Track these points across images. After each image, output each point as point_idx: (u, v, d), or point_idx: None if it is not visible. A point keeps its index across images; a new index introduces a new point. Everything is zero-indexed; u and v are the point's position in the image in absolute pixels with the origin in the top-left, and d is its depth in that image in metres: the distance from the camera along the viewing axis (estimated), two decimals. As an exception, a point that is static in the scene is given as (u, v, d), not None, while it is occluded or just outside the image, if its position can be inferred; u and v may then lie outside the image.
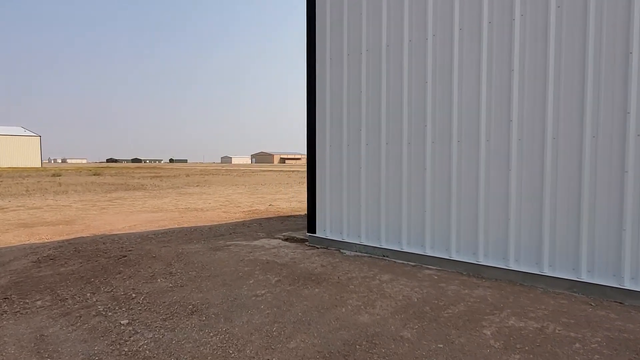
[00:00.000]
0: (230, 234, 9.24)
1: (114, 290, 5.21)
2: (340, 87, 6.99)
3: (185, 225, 10.71)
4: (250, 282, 5.40)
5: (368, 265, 6.08)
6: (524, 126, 5.11)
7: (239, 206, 15.91)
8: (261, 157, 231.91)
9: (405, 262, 6.19)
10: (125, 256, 7.07)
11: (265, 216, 12.74)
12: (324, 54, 7.19)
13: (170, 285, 5.38)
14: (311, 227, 7.57)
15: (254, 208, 15.08)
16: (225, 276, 5.67)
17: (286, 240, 8.21)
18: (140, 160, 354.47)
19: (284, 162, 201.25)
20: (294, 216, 12.64)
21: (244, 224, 10.97)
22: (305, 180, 29.51)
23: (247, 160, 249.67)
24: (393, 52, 6.29)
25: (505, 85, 5.24)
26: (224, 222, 11.28)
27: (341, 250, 7.05)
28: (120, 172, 51.79)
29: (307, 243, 7.73)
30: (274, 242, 7.96)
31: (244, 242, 7.92)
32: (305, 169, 37.91)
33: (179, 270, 6.01)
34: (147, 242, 8.32)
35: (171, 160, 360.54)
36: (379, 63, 6.47)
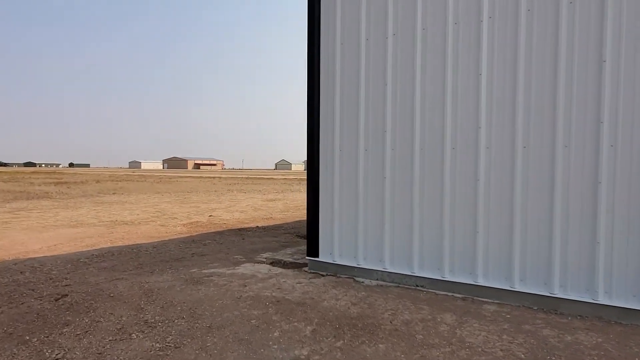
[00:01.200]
0: (192, 255, 7.50)
1: (70, 357, 3.46)
2: (354, 80, 5.69)
3: (121, 244, 8.76)
4: (275, 335, 3.90)
5: (410, 301, 4.82)
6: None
7: (174, 218, 13.95)
8: (174, 163, 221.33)
9: (450, 294, 5.03)
10: (66, 295, 5.16)
11: (213, 230, 11.06)
12: (332, 38, 5.85)
13: (158, 345, 3.72)
14: (312, 250, 6.14)
15: (193, 220, 13.24)
16: (234, 326, 4.09)
17: (274, 264, 6.69)
18: (35, 164, 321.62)
19: (199, 168, 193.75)
20: (247, 229, 11.14)
21: (194, 240, 9.27)
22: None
23: (159, 165, 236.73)
24: (433, 34, 5.13)
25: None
26: (169, 239, 9.46)
27: (356, 279, 5.71)
28: (14, 178, 45.64)
29: (305, 269, 6.27)
30: (262, 268, 6.41)
31: (225, 270, 6.28)
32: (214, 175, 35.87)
33: (158, 319, 4.31)
34: (85, 270, 6.38)
35: (71, 165, 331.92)
36: (411, 48, 5.27)
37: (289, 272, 6.14)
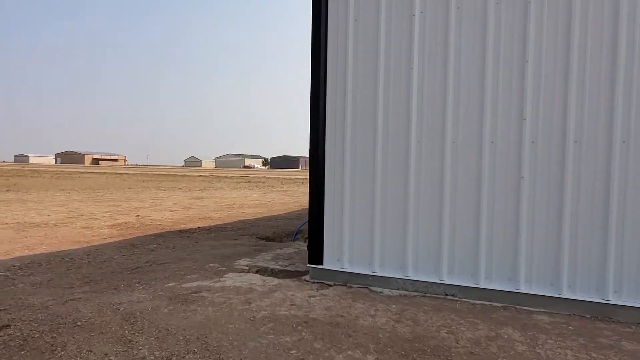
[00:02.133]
0: (149, 264, 6.33)
1: None
2: (371, 62, 4.97)
3: (43, 251, 7.32)
4: (335, 371, 3.06)
5: (454, 314, 4.22)
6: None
7: (96, 218, 12.26)
8: (68, 157, 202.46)
9: (487, 303, 4.53)
10: (8, 326, 3.88)
11: (150, 232, 9.79)
12: (344, 12, 5.07)
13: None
14: (315, 256, 5.31)
15: (120, 221, 11.69)
16: (275, 362, 3.18)
17: (262, 273, 5.75)
18: None
19: (98, 164, 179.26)
20: (189, 231, 10.07)
21: (134, 245, 8.06)
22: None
23: (51, 160, 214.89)
24: (469, 13, 4.59)
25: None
26: (100, 244, 8.16)
27: (372, 289, 5.00)
28: None
29: (305, 278, 5.42)
30: (253, 279, 5.44)
31: (210, 282, 5.22)
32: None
33: (162, 356, 3.27)
34: (14, 288, 5.05)
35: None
36: (444, 26, 4.68)
37: (289, 282, 5.25)
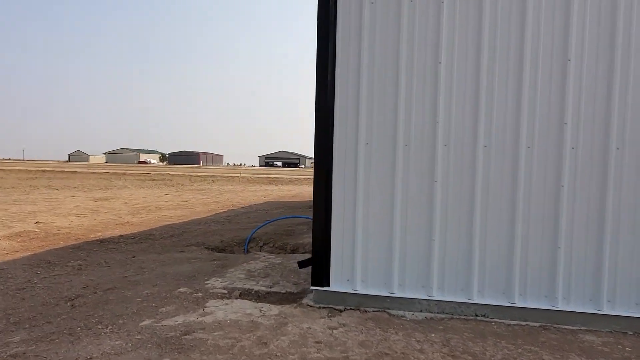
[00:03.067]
0: (94, 292, 5.16)
1: None
2: (391, 45, 4.33)
3: None
4: None
5: (502, 339, 3.74)
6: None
7: (-19, 226, 10.23)
8: None
9: (524, 323, 4.15)
10: None
11: (63, 244, 8.39)
12: (356, -9, 4.37)
13: None
14: (320, 276, 4.54)
15: (18, 230, 9.91)
16: None
17: (250, 298, 4.86)
18: None
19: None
20: (111, 241, 8.92)
21: (50, 263, 6.81)
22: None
23: None
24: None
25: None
26: (3, 261, 6.64)
27: (391, 312, 4.37)
28: None
29: (308, 302, 4.61)
30: (245, 306, 4.50)
31: (197, 317, 4.19)
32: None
33: None
34: None
35: None
36: (477, 20, 4.19)
37: (292, 310, 4.41)
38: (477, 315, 4.25)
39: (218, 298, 4.78)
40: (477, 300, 4.25)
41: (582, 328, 4.05)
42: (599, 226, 4.06)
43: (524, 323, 4.15)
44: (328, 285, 4.52)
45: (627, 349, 3.65)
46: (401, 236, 4.39)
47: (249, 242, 8.57)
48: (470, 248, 4.27)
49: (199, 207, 17.39)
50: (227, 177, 52.98)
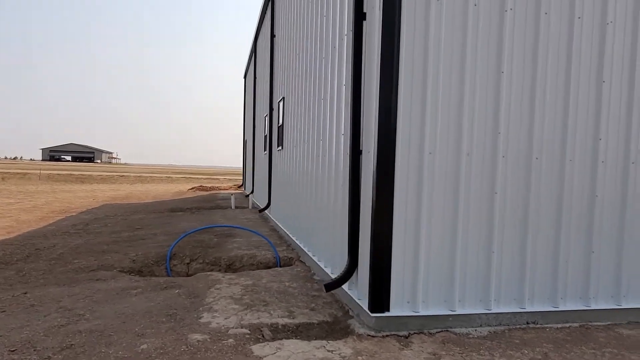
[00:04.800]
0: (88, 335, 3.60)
1: None
2: (457, 53, 4.10)
3: None
4: None
5: (577, 345, 3.90)
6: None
7: None
8: None
9: (567, 325, 4.39)
10: None
11: None
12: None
13: None
14: (380, 300, 4.03)
15: None
16: None
17: (291, 337, 4.00)
18: None
19: None
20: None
21: None
22: None
23: None
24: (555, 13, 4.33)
25: None
26: None
27: (454, 331, 4.14)
28: None
29: (369, 333, 4.03)
30: (307, 348, 3.68)
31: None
32: None
33: None
34: None
35: None
36: (533, 30, 4.28)
37: (364, 345, 3.78)
38: (528, 323, 4.34)
39: (254, 342, 3.81)
40: (529, 308, 4.34)
41: (608, 323, 4.49)
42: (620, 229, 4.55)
43: (567, 325, 4.39)
44: (388, 309, 4.03)
45: (662, 338, 4.17)
46: (462, 250, 4.19)
47: (169, 260, 7.16)
48: (524, 259, 4.33)
49: (22, 215, 14.13)
50: (15, 173, 44.21)
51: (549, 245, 4.39)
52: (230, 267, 7.15)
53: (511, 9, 4.15)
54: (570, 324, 4.41)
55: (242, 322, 4.24)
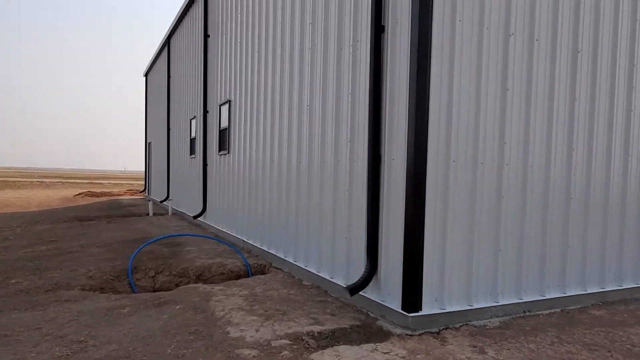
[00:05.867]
0: None
1: None
2: (475, 72, 4.53)
3: None
4: None
5: (584, 327, 4.56)
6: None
7: None
8: None
9: (553, 311, 5.08)
10: None
11: None
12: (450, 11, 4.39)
13: None
14: (413, 299, 4.28)
15: None
16: None
17: (334, 343, 4.04)
18: None
19: None
20: None
21: None
22: None
23: None
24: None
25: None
26: None
27: (472, 324, 4.54)
28: None
29: (407, 332, 4.23)
30: (362, 353, 3.78)
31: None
32: None
33: None
34: None
35: None
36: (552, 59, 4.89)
37: (411, 345, 3.97)
38: (525, 312, 4.91)
39: (308, 351, 3.78)
40: (525, 298, 4.91)
41: (580, 307, 5.27)
42: (585, 227, 5.38)
43: (553, 310, 5.06)
44: (420, 309, 4.28)
45: (624, 315, 5.04)
46: (477, 249, 4.61)
47: (131, 273, 6.59)
48: (520, 255, 4.89)
49: None
50: None
51: (537, 242, 5.01)
52: (200, 278, 6.79)
53: (512, 34, 4.68)
54: (554, 310, 5.09)
55: (277, 334, 4.15)
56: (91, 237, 10.44)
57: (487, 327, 4.47)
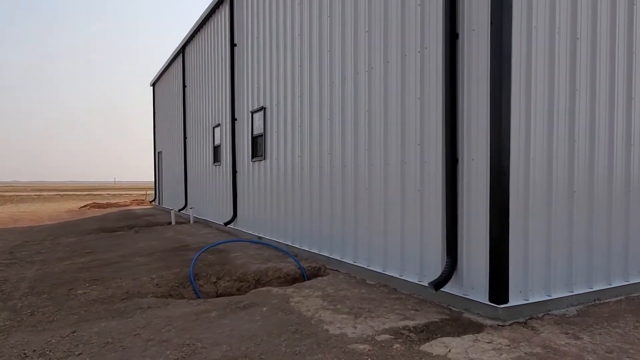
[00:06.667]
0: None
1: None
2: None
3: None
4: None
5: (652, 314, 4.80)
6: None
7: None
8: None
9: (619, 298, 5.34)
10: None
11: None
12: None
13: None
14: (500, 291, 4.49)
15: None
16: None
17: (432, 336, 4.23)
18: None
19: None
20: None
21: None
22: None
23: None
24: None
25: None
26: None
27: (553, 313, 4.77)
28: None
29: (498, 323, 4.44)
30: (467, 343, 3.98)
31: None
32: None
33: None
34: None
35: None
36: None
37: (511, 335, 4.19)
38: (594, 300, 5.15)
39: (415, 343, 3.97)
40: (595, 288, 5.16)
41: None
42: None
43: (619, 298, 5.31)
44: (508, 301, 4.49)
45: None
46: (554, 241, 4.85)
47: (194, 278, 6.74)
48: (591, 246, 5.14)
49: None
50: None
51: (604, 233, 5.26)
52: (259, 282, 6.95)
53: (578, 38, 4.95)
54: (619, 297, 5.34)
55: (375, 329, 4.34)
56: (126, 247, 10.54)
57: (567, 316, 4.70)
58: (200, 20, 13.94)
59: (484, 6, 4.53)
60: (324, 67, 7.38)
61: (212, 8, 12.86)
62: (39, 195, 48.25)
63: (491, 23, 4.44)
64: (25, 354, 4.21)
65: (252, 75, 10.31)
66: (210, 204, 13.76)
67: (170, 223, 14.93)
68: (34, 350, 4.26)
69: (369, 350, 3.83)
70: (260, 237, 9.91)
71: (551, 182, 4.81)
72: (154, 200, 23.64)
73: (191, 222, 15.03)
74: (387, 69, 5.93)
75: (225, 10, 12.06)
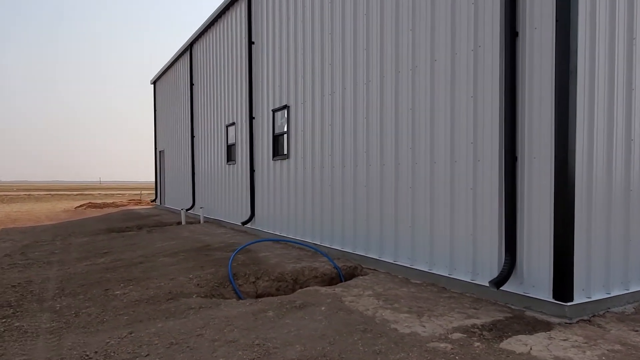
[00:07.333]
0: None
1: None
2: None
3: None
4: None
5: None
6: None
7: None
8: None
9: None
10: None
11: None
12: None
13: None
14: (565, 289, 4.51)
15: None
16: None
17: (504, 335, 4.23)
18: None
19: None
20: None
21: None
22: None
23: None
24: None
25: None
26: None
27: (613, 310, 4.81)
28: None
29: (565, 322, 4.45)
30: (542, 342, 3.99)
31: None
32: None
33: None
34: None
35: None
36: (644, 57, 5.20)
37: (585, 333, 4.21)
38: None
39: (493, 341, 3.97)
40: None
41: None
42: None
43: (669, 296, 5.36)
44: (572, 299, 4.51)
45: None
46: (613, 239, 4.88)
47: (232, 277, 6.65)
48: (643, 244, 5.19)
49: None
50: None
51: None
52: (297, 282, 6.89)
53: (635, 38, 4.99)
54: (669, 295, 5.39)
55: (445, 328, 4.32)
56: (143, 247, 10.38)
57: (627, 313, 4.74)
58: (212, 19, 13.80)
59: (548, 4, 4.53)
60: (359, 65, 7.34)
61: (227, 5, 12.73)
62: (29, 195, 47.38)
63: (557, 20, 4.45)
64: (87, 355, 4.11)
65: (274, 74, 10.23)
66: (222, 203, 13.63)
67: (180, 223, 14.76)
68: (96, 352, 4.16)
69: (451, 348, 3.80)
70: (282, 236, 9.83)
71: (611, 181, 4.84)
72: (155, 200, 23.35)
73: (201, 221, 14.87)
74: (433, 68, 5.92)
75: (241, 8, 11.94)
